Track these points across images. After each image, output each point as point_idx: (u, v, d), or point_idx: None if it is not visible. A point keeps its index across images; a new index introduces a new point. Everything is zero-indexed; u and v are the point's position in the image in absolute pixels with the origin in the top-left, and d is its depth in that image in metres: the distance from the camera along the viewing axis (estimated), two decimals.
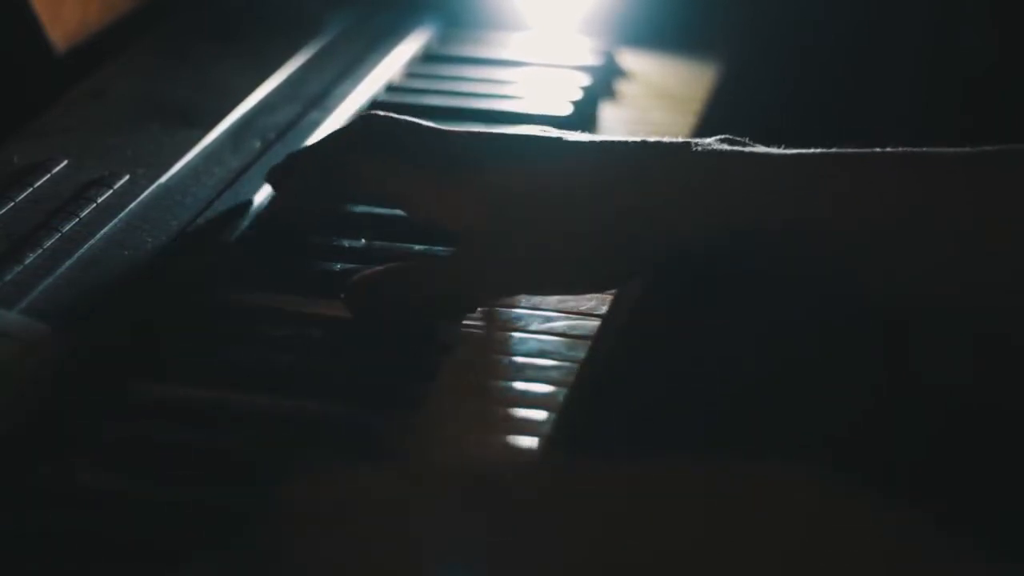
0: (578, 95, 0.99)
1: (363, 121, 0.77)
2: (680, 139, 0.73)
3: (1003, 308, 0.69)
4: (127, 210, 0.79)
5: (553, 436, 0.67)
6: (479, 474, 0.49)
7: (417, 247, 0.79)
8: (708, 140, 0.72)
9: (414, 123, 0.76)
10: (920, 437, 0.84)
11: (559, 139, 0.74)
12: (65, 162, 0.82)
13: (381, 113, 0.77)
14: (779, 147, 0.72)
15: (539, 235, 0.71)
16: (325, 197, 0.80)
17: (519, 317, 0.75)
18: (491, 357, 0.72)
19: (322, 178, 0.76)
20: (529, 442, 0.66)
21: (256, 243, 0.80)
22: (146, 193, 0.80)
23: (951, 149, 0.70)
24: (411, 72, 1.03)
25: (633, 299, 0.78)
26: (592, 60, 1.04)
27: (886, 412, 0.84)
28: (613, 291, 0.76)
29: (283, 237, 0.80)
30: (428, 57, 1.06)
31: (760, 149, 0.72)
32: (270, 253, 0.78)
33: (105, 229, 0.76)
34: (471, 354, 0.72)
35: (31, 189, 0.79)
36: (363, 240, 0.80)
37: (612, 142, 0.73)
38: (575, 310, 0.75)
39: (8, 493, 0.60)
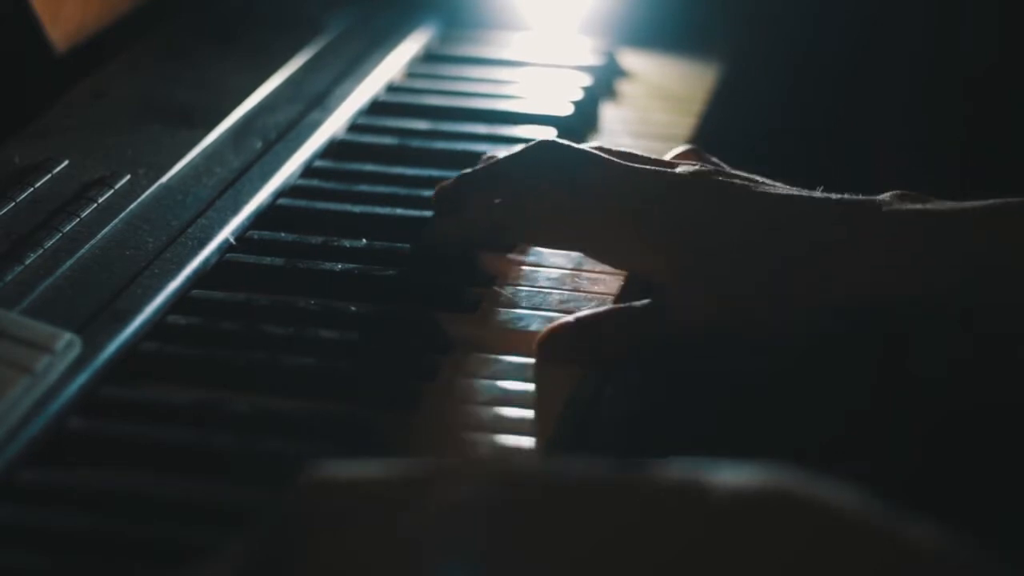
0: (579, 95, 0.99)
1: (538, 148, 0.76)
2: (863, 197, 0.73)
3: None
4: (128, 210, 0.79)
5: (553, 436, 0.67)
6: (479, 474, 0.49)
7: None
8: (887, 197, 0.73)
9: (592, 155, 0.76)
10: (919, 437, 0.84)
11: (731, 183, 0.74)
12: (66, 162, 0.82)
13: (560, 141, 0.77)
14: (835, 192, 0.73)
15: (725, 282, 0.72)
16: (490, 229, 0.77)
17: (520, 317, 0.75)
18: (491, 357, 0.72)
19: (491, 209, 0.76)
20: (529, 442, 0.66)
21: (256, 243, 0.80)
22: (147, 193, 0.81)
23: None
24: (412, 72, 1.03)
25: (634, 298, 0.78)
26: (593, 60, 1.04)
27: (885, 412, 0.84)
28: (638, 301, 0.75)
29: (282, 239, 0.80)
30: (429, 57, 1.06)
31: (940, 206, 0.72)
32: (271, 253, 0.78)
33: (106, 229, 0.77)
34: (471, 354, 0.72)
35: (32, 189, 0.79)
36: (363, 240, 0.80)
37: (791, 195, 0.73)
38: (576, 311, 0.75)
39: (8, 493, 0.60)
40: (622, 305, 0.75)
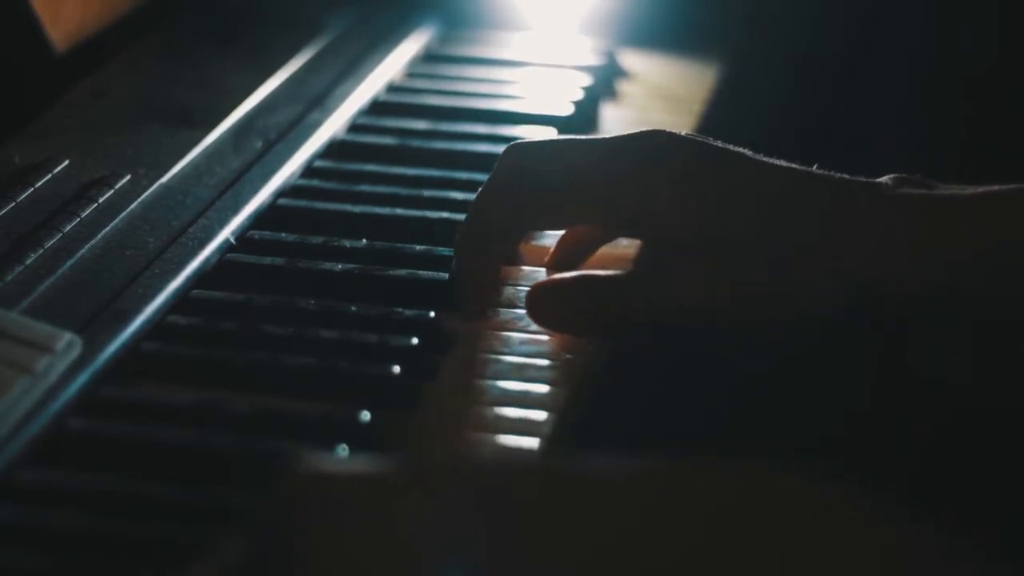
0: (579, 95, 0.99)
1: (508, 157, 0.74)
2: (865, 179, 0.71)
3: None
4: (128, 210, 0.79)
5: (553, 436, 0.67)
6: (479, 474, 0.49)
7: (418, 247, 0.79)
8: (885, 180, 0.71)
9: (559, 141, 0.75)
10: (919, 437, 0.84)
11: (743, 155, 0.72)
12: (66, 162, 0.82)
13: (522, 142, 0.75)
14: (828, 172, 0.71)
15: (728, 253, 0.70)
16: (509, 251, 0.76)
17: (519, 317, 0.75)
18: (491, 357, 0.72)
19: (495, 245, 0.75)
20: (529, 442, 0.66)
21: (257, 243, 0.80)
22: (147, 193, 0.81)
23: None
24: (412, 72, 1.03)
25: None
26: (593, 60, 1.04)
27: (884, 412, 0.84)
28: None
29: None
30: (429, 57, 1.06)
31: (946, 192, 0.71)
32: (271, 253, 0.78)
33: (106, 229, 0.77)
34: (471, 354, 0.72)
35: (32, 189, 0.79)
36: (363, 240, 0.80)
37: (799, 171, 0.72)
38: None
39: (8, 493, 0.60)
40: (606, 272, 0.74)
